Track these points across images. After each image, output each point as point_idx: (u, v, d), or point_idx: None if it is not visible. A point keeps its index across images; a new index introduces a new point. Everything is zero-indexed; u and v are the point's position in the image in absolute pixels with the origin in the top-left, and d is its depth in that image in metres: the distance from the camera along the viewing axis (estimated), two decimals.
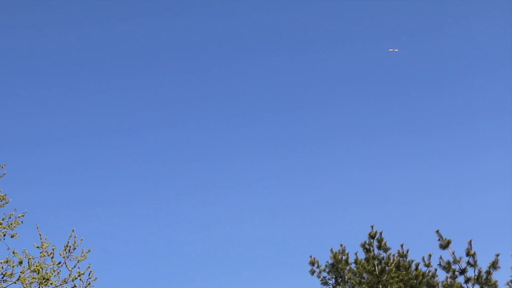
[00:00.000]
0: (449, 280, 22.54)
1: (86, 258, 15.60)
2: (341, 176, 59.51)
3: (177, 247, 52.65)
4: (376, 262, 23.16)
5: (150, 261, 51.30)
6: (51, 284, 14.86)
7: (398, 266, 23.01)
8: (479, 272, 22.49)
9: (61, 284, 15.13)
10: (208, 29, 64.53)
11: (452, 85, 62.35)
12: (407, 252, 24.07)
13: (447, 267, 22.70)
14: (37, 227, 15.52)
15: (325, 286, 25.14)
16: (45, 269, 14.99)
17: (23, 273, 14.78)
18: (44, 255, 15.26)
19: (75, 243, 15.67)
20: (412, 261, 23.74)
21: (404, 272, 22.61)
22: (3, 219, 15.32)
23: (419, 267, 23.45)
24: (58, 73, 62.95)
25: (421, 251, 26.19)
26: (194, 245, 52.88)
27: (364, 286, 22.55)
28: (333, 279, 25.07)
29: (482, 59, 62.79)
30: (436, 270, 23.33)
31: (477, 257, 22.47)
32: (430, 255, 23.58)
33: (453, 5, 64.00)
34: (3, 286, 14.70)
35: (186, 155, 59.55)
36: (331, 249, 25.14)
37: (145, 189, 57.16)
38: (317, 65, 63.53)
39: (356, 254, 24.14)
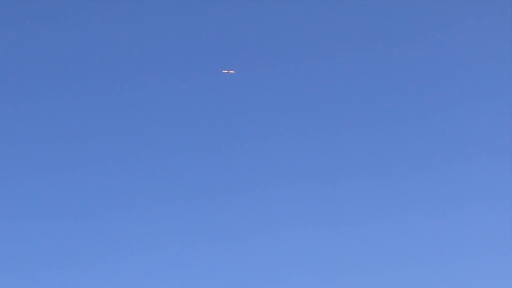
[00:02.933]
0: None
1: None
2: None
3: (176, 248, 52.68)
4: None
5: (150, 260, 51.38)
6: None
7: None
8: None
9: None
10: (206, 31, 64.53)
11: (453, 85, 62.27)
12: None
13: None
14: None
15: None
16: None
17: None
18: None
19: None
20: None
21: None
22: None
23: None
24: (58, 72, 62.91)
25: None
26: (193, 246, 52.89)
27: None
28: None
29: (482, 59, 62.74)
30: None
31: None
32: None
33: (454, 5, 64.02)
34: None
35: (186, 155, 59.41)
36: None
37: (145, 189, 57.05)
38: (318, 66, 63.40)
39: None
